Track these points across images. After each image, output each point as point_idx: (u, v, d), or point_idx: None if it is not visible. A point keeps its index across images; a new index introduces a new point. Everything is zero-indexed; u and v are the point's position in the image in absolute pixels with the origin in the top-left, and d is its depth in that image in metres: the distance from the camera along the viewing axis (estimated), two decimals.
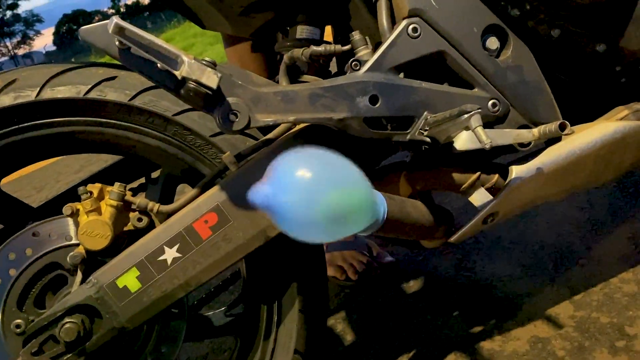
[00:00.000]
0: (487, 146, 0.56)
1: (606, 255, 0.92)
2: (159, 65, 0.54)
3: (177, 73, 0.53)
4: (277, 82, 0.70)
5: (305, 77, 0.70)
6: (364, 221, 0.56)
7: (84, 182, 0.77)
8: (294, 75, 0.72)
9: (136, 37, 0.53)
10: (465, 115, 0.58)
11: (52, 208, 0.75)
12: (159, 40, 0.54)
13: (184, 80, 0.53)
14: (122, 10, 61.42)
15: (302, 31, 0.75)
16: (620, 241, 0.94)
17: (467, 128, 0.59)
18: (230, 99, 0.57)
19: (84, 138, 0.68)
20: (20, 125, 0.64)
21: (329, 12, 0.77)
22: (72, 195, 0.73)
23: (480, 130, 0.57)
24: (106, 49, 0.55)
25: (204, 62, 0.54)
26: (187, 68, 0.53)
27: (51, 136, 0.66)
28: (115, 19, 0.53)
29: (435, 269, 1.05)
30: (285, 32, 0.79)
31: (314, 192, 0.54)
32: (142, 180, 0.76)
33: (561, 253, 0.96)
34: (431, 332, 0.89)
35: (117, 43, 0.54)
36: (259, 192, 0.54)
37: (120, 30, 0.53)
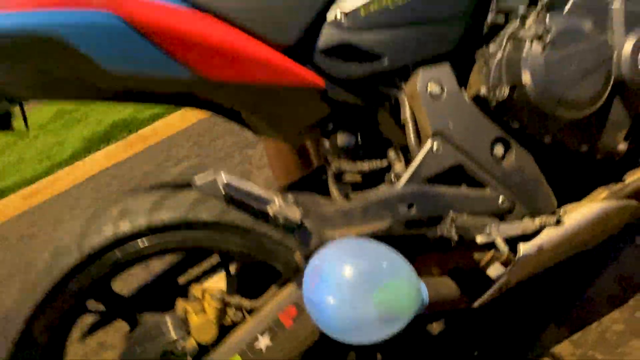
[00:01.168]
0: (505, 255, 0.74)
1: (597, 295, 1.10)
2: (255, 205, 0.71)
3: (270, 211, 0.71)
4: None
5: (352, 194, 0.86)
6: (412, 311, 0.73)
7: (170, 273, 0.95)
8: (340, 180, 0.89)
9: (238, 187, 0.70)
10: (489, 238, 0.76)
11: (143, 298, 0.92)
12: (255, 187, 0.72)
13: (275, 215, 0.71)
14: None
15: (342, 140, 0.92)
16: (609, 282, 1.12)
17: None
18: (307, 224, 0.74)
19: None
20: (139, 248, 0.80)
21: (362, 122, 0.94)
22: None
23: (499, 241, 0.75)
24: (214, 196, 0.72)
25: (288, 201, 0.71)
26: (277, 207, 0.71)
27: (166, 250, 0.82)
28: (223, 175, 0.70)
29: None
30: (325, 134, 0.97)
31: (362, 290, 0.69)
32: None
33: (558, 295, 1.14)
34: None
35: (222, 192, 0.71)
36: (306, 295, 0.68)
37: (226, 185, 0.70)
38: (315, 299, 0.67)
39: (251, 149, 3.21)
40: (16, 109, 0.82)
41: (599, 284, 1.14)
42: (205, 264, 1.00)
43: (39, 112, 7.50)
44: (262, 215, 0.73)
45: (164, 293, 0.93)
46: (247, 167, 2.92)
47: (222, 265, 0.91)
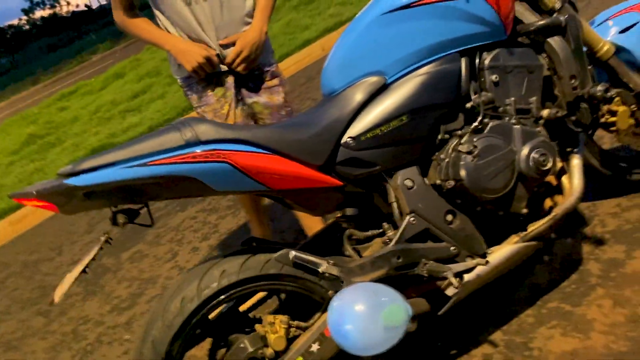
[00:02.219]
0: (456, 282, 1.27)
1: (516, 298, 1.65)
2: (312, 267, 1.21)
3: (320, 270, 1.21)
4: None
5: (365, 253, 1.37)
6: (405, 323, 1.23)
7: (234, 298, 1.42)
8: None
9: (302, 257, 1.20)
10: (445, 274, 1.28)
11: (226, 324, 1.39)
12: (311, 256, 1.21)
13: (324, 273, 1.21)
14: (38, 23, 58.70)
15: (351, 212, 1.43)
16: (524, 288, 1.67)
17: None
18: (339, 275, 1.24)
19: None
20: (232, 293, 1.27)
21: (362, 201, 1.45)
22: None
23: (452, 279, 1.27)
24: (286, 264, 1.21)
25: (329, 263, 1.21)
26: (325, 268, 1.20)
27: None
28: (294, 252, 1.19)
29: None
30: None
31: (371, 314, 1.20)
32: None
33: (493, 300, 1.69)
34: None
35: (292, 262, 1.20)
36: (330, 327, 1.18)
37: (295, 257, 1.19)
38: (335, 330, 1.17)
39: None
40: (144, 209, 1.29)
41: (519, 293, 1.68)
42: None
43: (10, 135, 7.61)
44: (314, 273, 1.23)
45: (237, 322, 1.41)
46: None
47: (281, 302, 1.41)
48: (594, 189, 1.94)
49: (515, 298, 1.67)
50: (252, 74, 1.88)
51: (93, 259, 1.25)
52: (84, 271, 1.23)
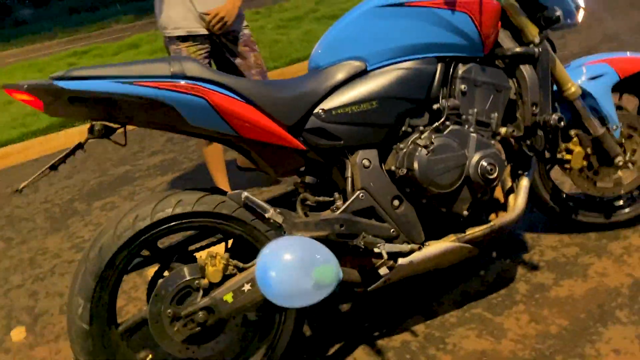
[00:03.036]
0: (389, 262, 1.38)
1: (447, 300, 1.76)
2: (259, 211, 1.32)
3: (267, 215, 1.32)
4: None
5: (311, 214, 1.48)
6: (334, 284, 1.33)
7: (189, 240, 1.52)
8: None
9: (252, 200, 1.31)
10: (379, 247, 1.40)
11: (173, 254, 1.49)
12: (261, 202, 1.32)
13: (270, 219, 1.32)
14: None
15: (310, 179, 1.54)
16: (457, 294, 1.79)
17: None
18: (283, 227, 1.35)
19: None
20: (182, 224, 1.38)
21: (322, 172, 1.56)
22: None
23: (384, 253, 1.38)
24: (237, 203, 1.32)
25: (276, 212, 1.32)
26: (271, 214, 1.31)
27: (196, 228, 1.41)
28: (245, 193, 1.30)
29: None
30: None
31: (303, 268, 1.31)
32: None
33: (430, 297, 1.80)
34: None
35: (242, 202, 1.31)
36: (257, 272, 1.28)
37: (246, 198, 1.30)
38: (260, 274, 1.25)
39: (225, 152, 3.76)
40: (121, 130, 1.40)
41: (450, 296, 1.80)
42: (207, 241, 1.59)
43: (15, 78, 7.70)
44: (261, 217, 1.34)
45: (183, 254, 1.51)
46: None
47: (224, 241, 1.51)
48: (542, 222, 2.07)
49: (445, 300, 1.78)
50: (228, 39, 2.45)
51: (63, 161, 1.35)
52: (52, 168, 1.33)
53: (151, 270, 1.52)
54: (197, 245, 1.58)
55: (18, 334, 2.07)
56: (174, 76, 1.29)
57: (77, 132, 5.15)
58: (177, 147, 4.21)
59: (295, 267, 1.26)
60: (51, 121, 5.28)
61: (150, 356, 1.56)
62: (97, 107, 1.28)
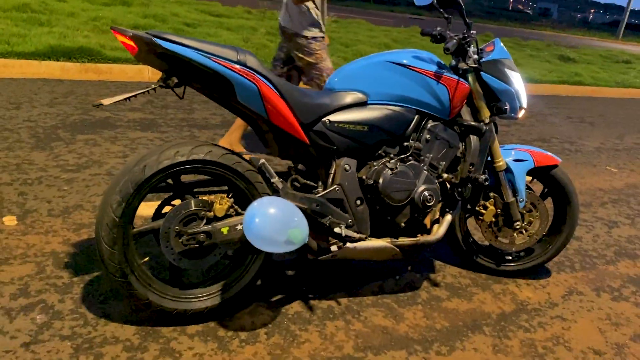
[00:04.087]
0: (339, 243, 1.90)
1: (370, 287, 2.30)
2: (272, 180, 1.81)
3: (272, 180, 1.81)
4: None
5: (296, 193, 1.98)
6: (301, 242, 1.83)
7: (194, 185, 1.98)
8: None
9: (266, 168, 1.80)
10: (338, 228, 1.92)
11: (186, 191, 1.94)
12: (270, 169, 1.82)
13: (273, 184, 1.81)
14: None
15: (301, 167, 2.05)
16: (374, 286, 2.33)
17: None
18: (280, 192, 1.84)
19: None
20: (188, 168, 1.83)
21: (314, 164, 2.07)
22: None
23: (338, 235, 1.91)
24: (243, 159, 1.81)
25: (274, 176, 1.82)
26: (276, 182, 1.81)
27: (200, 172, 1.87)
28: (263, 161, 1.79)
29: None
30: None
31: (280, 223, 1.80)
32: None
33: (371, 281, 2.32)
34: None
35: (248, 159, 1.80)
36: (245, 216, 1.76)
37: (262, 164, 1.79)
38: (247, 219, 1.73)
39: (197, 130, 4.18)
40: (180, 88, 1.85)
41: (370, 286, 2.34)
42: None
43: None
44: (267, 181, 1.83)
45: (192, 192, 1.96)
46: None
47: (226, 193, 1.98)
48: (450, 255, 2.67)
49: (366, 288, 2.32)
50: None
51: (135, 95, 1.78)
52: (128, 99, 1.76)
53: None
54: (202, 189, 2.04)
55: (9, 220, 2.41)
56: (239, 62, 1.77)
57: (58, 67, 5.37)
58: (157, 110, 4.57)
59: (275, 220, 1.74)
60: (37, 48, 5.46)
61: (146, 259, 1.98)
62: (178, 66, 1.74)
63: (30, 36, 5.87)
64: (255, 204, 1.73)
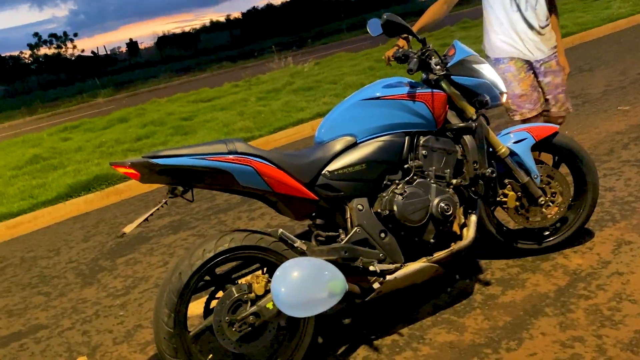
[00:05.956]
0: (380, 279, 1.98)
1: (427, 308, 2.35)
2: (295, 245, 1.91)
3: (296, 245, 1.91)
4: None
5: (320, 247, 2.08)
6: (341, 294, 1.90)
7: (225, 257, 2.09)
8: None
9: (289, 236, 1.91)
10: (373, 266, 2.00)
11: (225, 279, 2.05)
12: (290, 235, 1.92)
13: (298, 247, 1.91)
14: (40, 60, 59.92)
15: (320, 221, 2.15)
16: (429, 307, 2.38)
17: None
18: (307, 253, 1.94)
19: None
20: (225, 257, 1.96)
21: (329, 215, 2.17)
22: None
23: (377, 268, 1.99)
24: (273, 237, 1.92)
25: (302, 242, 1.92)
26: (299, 245, 1.91)
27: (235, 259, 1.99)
28: (281, 229, 1.90)
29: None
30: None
31: (317, 281, 1.89)
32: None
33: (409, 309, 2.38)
34: None
35: (279, 237, 1.91)
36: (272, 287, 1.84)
37: (282, 233, 1.90)
38: (274, 289, 1.82)
39: (223, 214, 4.35)
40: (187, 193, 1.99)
41: (425, 307, 2.38)
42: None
43: (12, 154, 8.19)
44: (291, 247, 1.93)
45: (230, 280, 2.07)
46: (222, 227, 4.04)
47: (260, 269, 2.08)
48: (492, 250, 2.70)
49: (422, 310, 2.37)
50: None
51: (151, 214, 1.93)
52: (146, 219, 1.91)
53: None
54: (239, 274, 2.15)
55: None
56: (230, 152, 1.91)
57: (82, 201, 5.67)
58: (181, 209, 4.77)
59: (305, 282, 1.83)
60: (58, 192, 5.78)
61: (210, 356, 2.08)
62: (179, 175, 1.88)
63: (49, 183, 6.21)
64: (277, 273, 1.82)
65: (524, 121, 2.88)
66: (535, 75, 2.93)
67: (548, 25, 2.86)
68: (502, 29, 2.86)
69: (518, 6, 2.78)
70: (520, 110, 2.90)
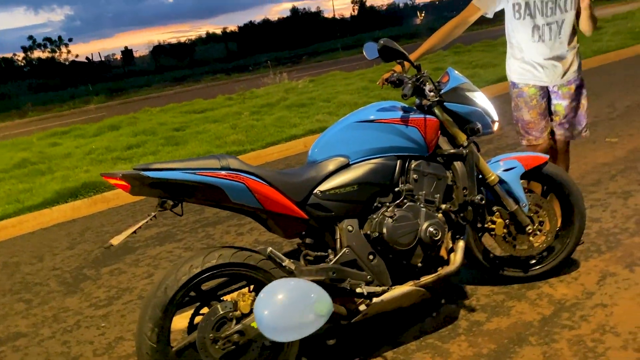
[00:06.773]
0: (366, 301, 1.98)
1: (412, 331, 2.34)
2: (284, 264, 1.91)
3: (284, 264, 1.91)
4: None
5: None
6: (327, 315, 1.90)
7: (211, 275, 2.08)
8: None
9: (275, 253, 1.91)
10: (360, 288, 2.00)
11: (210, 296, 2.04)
12: (279, 254, 1.92)
13: (286, 266, 1.91)
14: (34, 63, 59.68)
15: (309, 240, 2.15)
16: (415, 330, 2.37)
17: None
18: (295, 273, 1.94)
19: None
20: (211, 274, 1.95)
21: (319, 234, 2.17)
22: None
23: (365, 290, 1.98)
24: (263, 255, 1.91)
25: (290, 261, 1.92)
26: (288, 264, 1.91)
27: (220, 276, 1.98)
28: (270, 248, 1.90)
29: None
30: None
31: (302, 304, 1.89)
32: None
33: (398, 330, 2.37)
34: None
35: (268, 254, 1.91)
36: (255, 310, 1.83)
37: (271, 251, 1.90)
38: (256, 313, 1.82)
39: (211, 227, 4.32)
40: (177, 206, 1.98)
41: (410, 331, 2.38)
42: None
43: (0, 156, 8.12)
44: (279, 265, 1.92)
45: (215, 296, 2.06)
46: (210, 241, 4.02)
47: (246, 287, 2.07)
48: (478, 277, 2.71)
49: (407, 334, 2.36)
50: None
51: (140, 227, 1.92)
52: (134, 232, 1.90)
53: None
54: (225, 290, 2.13)
55: None
56: (222, 168, 1.91)
57: (69, 208, 5.61)
58: (169, 221, 4.74)
59: (289, 305, 1.81)
60: (45, 198, 5.72)
61: None
62: (170, 189, 1.88)
63: (36, 188, 6.15)
64: (260, 295, 1.81)
65: (530, 147, 2.93)
66: (549, 99, 2.94)
67: (574, 49, 2.86)
68: (522, 56, 2.89)
69: (540, 37, 2.79)
70: (527, 136, 2.95)
